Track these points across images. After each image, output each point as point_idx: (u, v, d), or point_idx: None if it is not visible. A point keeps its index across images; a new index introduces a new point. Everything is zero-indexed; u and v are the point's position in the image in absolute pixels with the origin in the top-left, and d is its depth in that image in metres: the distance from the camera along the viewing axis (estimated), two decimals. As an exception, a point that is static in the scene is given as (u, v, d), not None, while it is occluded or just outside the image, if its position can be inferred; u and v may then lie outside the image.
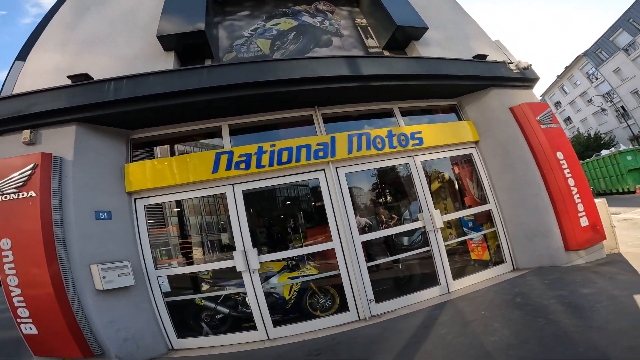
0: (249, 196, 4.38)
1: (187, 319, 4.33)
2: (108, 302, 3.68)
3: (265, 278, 4.34)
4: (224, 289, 4.40)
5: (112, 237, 3.93)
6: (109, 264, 3.72)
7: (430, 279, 4.63)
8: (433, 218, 4.63)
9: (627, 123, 27.71)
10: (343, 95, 4.74)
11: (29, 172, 3.59)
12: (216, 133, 4.70)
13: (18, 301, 3.52)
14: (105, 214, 3.96)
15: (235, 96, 4.14)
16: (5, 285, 3.54)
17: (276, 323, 4.12)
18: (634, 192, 14.45)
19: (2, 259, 3.52)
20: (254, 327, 4.09)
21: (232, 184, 4.32)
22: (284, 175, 4.48)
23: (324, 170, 4.52)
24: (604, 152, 18.37)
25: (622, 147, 17.86)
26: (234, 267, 4.09)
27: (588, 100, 32.34)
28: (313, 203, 5.51)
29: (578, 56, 33.85)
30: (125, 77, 3.96)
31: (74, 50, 5.04)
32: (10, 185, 3.59)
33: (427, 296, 4.43)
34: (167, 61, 4.92)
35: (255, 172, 4.31)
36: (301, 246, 4.77)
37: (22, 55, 5.09)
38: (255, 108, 4.61)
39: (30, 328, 3.56)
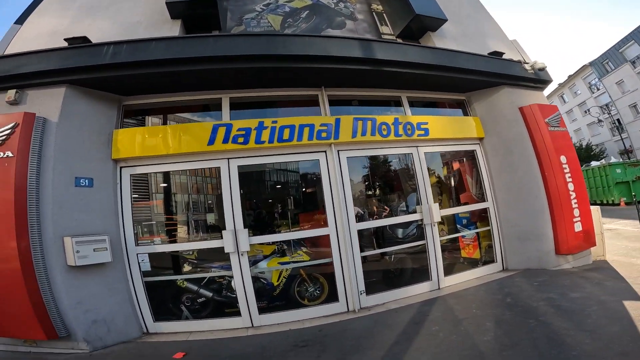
0: (243, 175, 4.28)
1: (166, 302, 4.22)
2: (79, 280, 3.54)
3: (253, 262, 4.27)
4: (209, 271, 4.31)
5: (91, 207, 3.77)
6: (84, 236, 3.53)
7: (421, 274, 4.70)
8: (432, 211, 4.68)
9: (620, 136, 28.66)
10: (352, 78, 4.69)
11: (9, 131, 3.42)
12: (215, 105, 4.56)
13: (-20, 275, 3.29)
14: (87, 180, 3.80)
15: (241, 68, 4.03)
16: None
17: (262, 310, 4.08)
18: (619, 204, 15.07)
19: (-32, 227, 3.27)
20: (237, 313, 4.03)
21: (228, 159, 4.21)
22: (284, 154, 4.43)
23: (325, 152, 4.48)
24: (593, 163, 19.03)
25: (613, 160, 18.56)
26: (221, 248, 3.99)
27: (585, 111, 33.16)
28: (305, 188, 5.50)
29: (584, 65, 34.33)
30: (125, 42, 3.85)
31: (74, 15, 4.95)
32: (-14, 145, 3.38)
33: (417, 291, 4.50)
34: (173, 29, 4.83)
35: (253, 148, 4.22)
36: (294, 230, 4.72)
37: (22, 19, 4.99)
38: (259, 83, 4.51)
39: (-11, 306, 3.33)
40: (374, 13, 6.43)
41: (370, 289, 4.35)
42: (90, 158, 3.89)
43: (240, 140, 4.16)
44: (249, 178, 4.86)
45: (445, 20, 5.69)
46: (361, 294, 4.23)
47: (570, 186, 4.90)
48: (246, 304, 4.01)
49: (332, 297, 4.30)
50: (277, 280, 4.40)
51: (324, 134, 4.39)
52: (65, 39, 3.95)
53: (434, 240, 4.70)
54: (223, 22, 5.30)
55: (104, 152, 4.02)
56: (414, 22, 5.59)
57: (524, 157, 5.02)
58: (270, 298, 4.34)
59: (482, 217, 5.35)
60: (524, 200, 4.97)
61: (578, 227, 4.83)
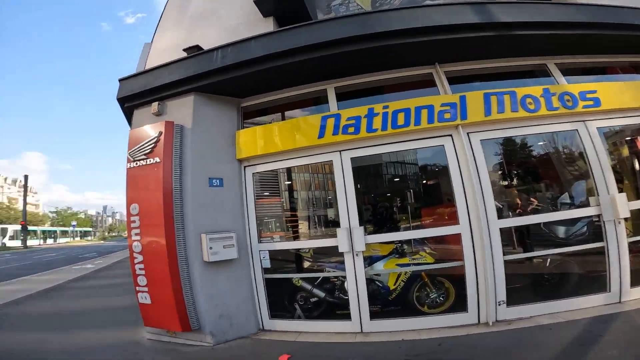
0: (357, 170, 4.06)
1: (282, 299, 4.27)
2: (212, 275, 3.81)
3: (369, 262, 3.97)
4: (323, 270, 4.23)
5: (221, 206, 4.09)
6: (216, 234, 3.81)
7: (591, 283, 3.71)
8: (615, 204, 3.57)
9: None
10: (472, 49, 4.03)
11: (155, 139, 3.97)
12: (322, 98, 4.48)
13: (139, 268, 3.80)
14: (218, 181, 4.14)
15: (337, 53, 3.81)
16: (130, 251, 3.90)
17: (374, 315, 3.76)
18: None
19: (131, 224, 3.90)
20: (348, 317, 3.79)
21: (340, 151, 4.04)
22: (401, 142, 3.97)
23: (451, 135, 3.88)
24: None
25: None
26: (336, 247, 3.82)
27: None
28: (426, 180, 4.98)
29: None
30: (229, 45, 4.06)
31: (186, 27, 5.58)
32: (140, 152, 4.05)
33: (584, 304, 3.53)
34: (267, 26, 5.00)
35: (365, 137, 3.95)
36: (417, 228, 4.28)
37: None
38: (362, 68, 4.24)
39: (145, 297, 3.79)
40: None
41: (511, 298, 3.57)
42: (220, 159, 4.24)
43: (351, 130, 3.94)
44: (364, 172, 4.63)
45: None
46: (500, 304, 3.50)
47: None
48: (357, 308, 3.75)
49: (459, 305, 3.72)
50: (394, 284, 4.01)
51: (446, 115, 3.80)
52: (183, 50, 4.41)
53: (619, 242, 3.59)
54: (312, 13, 5.29)
55: (230, 153, 4.34)
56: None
57: None
58: (385, 302, 3.98)
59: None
60: None
61: None
